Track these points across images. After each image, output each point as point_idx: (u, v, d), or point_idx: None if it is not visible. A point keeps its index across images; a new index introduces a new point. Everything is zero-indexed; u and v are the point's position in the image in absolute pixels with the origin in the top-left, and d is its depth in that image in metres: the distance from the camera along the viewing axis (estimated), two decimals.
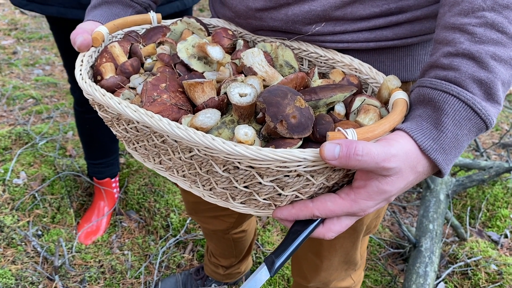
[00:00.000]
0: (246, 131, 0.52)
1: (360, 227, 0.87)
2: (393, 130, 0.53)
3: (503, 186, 2.00)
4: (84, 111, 1.66)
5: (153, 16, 0.82)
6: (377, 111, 0.59)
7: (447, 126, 0.51)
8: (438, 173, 0.54)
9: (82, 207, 1.91)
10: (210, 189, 0.61)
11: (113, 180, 1.90)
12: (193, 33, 0.81)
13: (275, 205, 0.58)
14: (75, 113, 1.72)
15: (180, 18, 0.82)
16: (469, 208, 1.96)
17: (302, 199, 0.56)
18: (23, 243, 1.68)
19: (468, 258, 1.68)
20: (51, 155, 2.08)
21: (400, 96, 0.57)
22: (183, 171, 0.63)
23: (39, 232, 1.75)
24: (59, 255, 1.65)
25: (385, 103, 0.62)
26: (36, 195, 1.85)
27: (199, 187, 0.63)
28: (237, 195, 0.58)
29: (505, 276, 1.60)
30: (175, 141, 0.57)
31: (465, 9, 0.53)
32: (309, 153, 0.50)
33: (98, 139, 1.77)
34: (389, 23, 0.67)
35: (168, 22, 0.84)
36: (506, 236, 1.81)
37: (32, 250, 1.66)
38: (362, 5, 0.66)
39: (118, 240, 1.79)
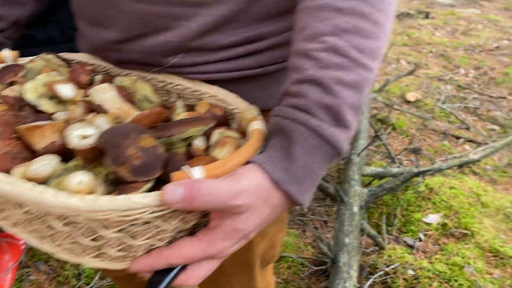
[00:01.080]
0: (80, 179, 0.47)
1: (252, 260, 0.83)
2: (248, 162, 0.51)
3: (415, 191, 2.10)
4: None
5: (6, 54, 0.74)
6: (235, 144, 0.57)
7: (298, 155, 0.50)
8: (298, 203, 0.53)
9: None
10: (59, 245, 0.54)
11: None
12: (54, 70, 0.75)
13: (131, 256, 0.52)
14: None
15: (38, 56, 0.75)
16: (385, 216, 2.03)
17: (159, 247, 0.52)
18: None
19: (387, 266, 1.72)
20: None
21: (254, 127, 0.55)
22: (27, 228, 0.55)
23: None
24: None
25: (247, 134, 0.60)
26: None
27: (48, 244, 0.56)
28: (85, 250, 0.52)
29: (421, 279, 1.66)
30: None
31: (309, 34, 0.53)
32: (153, 197, 0.45)
33: None
34: (249, 51, 0.66)
35: (25, 60, 0.77)
36: (420, 240, 1.90)
37: None
38: (222, 34, 0.64)
39: None
